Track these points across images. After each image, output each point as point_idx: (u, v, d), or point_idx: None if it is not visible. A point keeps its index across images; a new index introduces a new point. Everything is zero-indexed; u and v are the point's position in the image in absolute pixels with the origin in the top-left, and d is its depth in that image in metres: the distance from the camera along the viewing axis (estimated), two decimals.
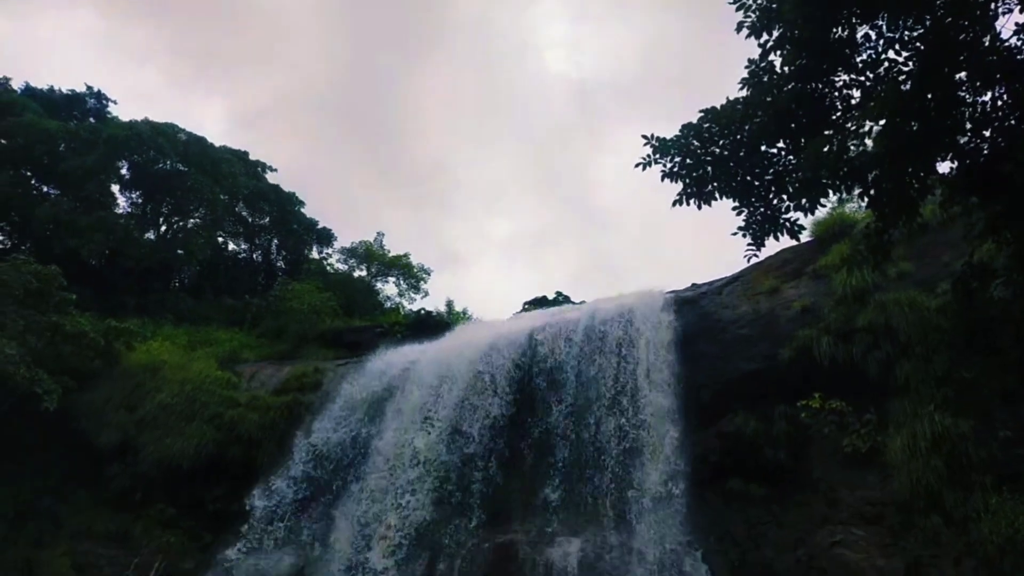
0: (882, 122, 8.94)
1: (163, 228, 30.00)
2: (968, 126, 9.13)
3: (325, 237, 33.79)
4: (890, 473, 13.15)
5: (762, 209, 9.90)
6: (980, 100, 9.03)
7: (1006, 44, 8.65)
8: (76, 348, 18.14)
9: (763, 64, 9.40)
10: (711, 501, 14.32)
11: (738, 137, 9.60)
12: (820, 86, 9.41)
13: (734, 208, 9.98)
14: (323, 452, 16.35)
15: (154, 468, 16.41)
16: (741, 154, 9.67)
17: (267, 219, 32.77)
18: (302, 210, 33.52)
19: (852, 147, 9.43)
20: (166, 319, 24.24)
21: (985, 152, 9.27)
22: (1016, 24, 8.63)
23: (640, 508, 14.13)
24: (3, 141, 27.24)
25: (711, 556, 13.24)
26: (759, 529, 13.64)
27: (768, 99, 9.40)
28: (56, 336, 17.95)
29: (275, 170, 34.01)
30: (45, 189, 27.74)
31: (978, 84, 8.84)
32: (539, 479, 14.98)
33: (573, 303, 21.91)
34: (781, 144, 9.68)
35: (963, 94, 9.00)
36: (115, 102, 33.81)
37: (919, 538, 12.59)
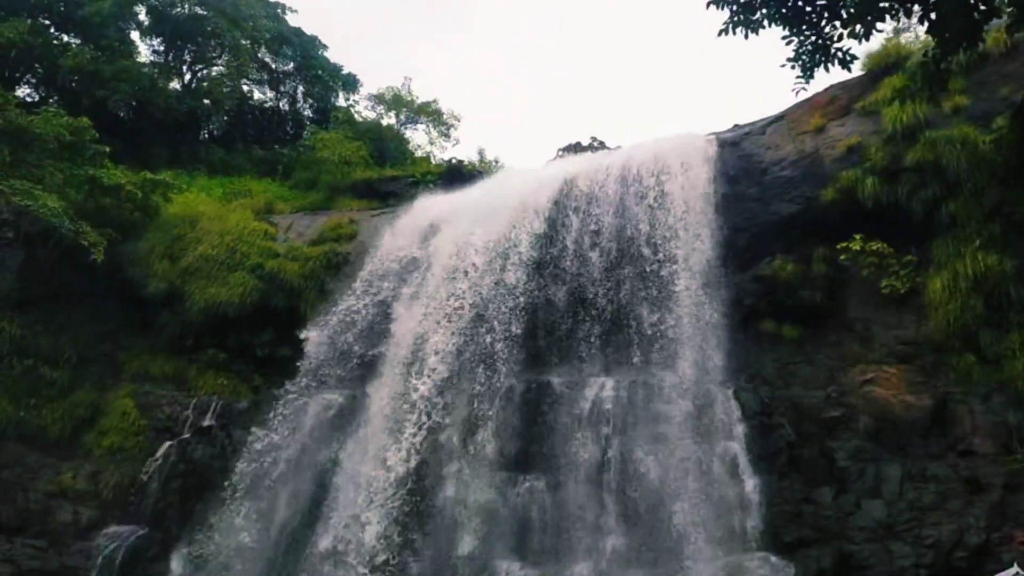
0: None
1: (187, 77, 29.45)
2: None
3: (351, 83, 32.95)
4: (927, 313, 13.21)
5: (813, 37, 9.35)
6: None
7: None
8: (115, 201, 18.39)
9: None
10: (743, 342, 14.60)
11: None
12: None
13: (783, 37, 9.42)
14: (364, 300, 16.73)
15: (202, 316, 17.02)
16: None
17: (291, 65, 31.88)
18: (326, 54, 32.53)
19: None
20: (199, 171, 24.32)
21: None
22: None
23: (673, 350, 14.43)
24: None
25: (741, 393, 13.63)
26: (790, 368, 13.96)
27: None
28: (95, 189, 18.16)
29: (295, 11, 32.70)
30: (66, 39, 27.10)
31: None
32: (573, 325, 15.23)
33: (609, 148, 21.38)
34: None
35: None
36: None
37: (951, 376, 12.85)
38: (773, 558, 11.82)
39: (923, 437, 12.53)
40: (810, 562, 11.63)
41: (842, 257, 14.12)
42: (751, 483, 12.52)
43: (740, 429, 13.20)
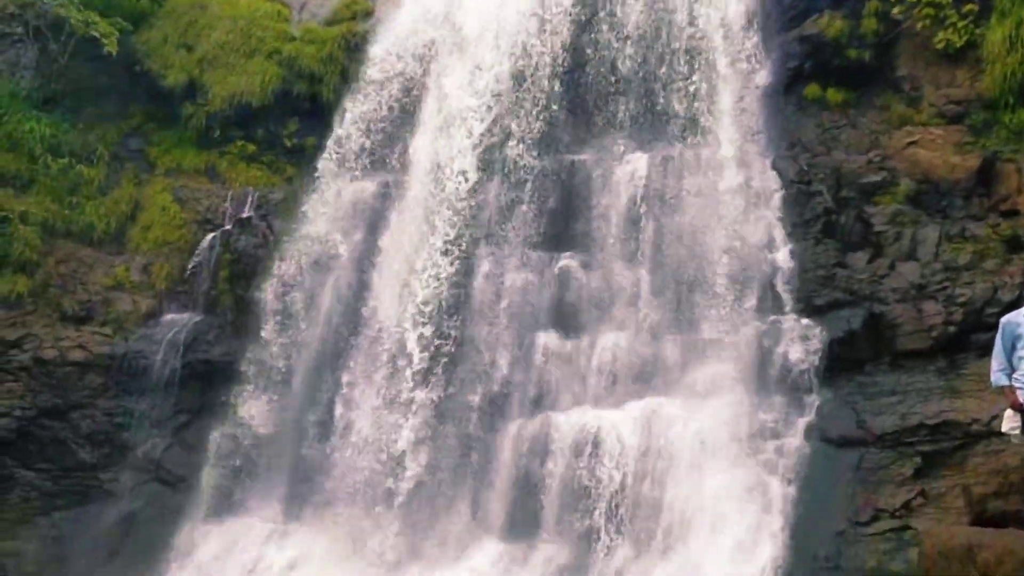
0: None
1: None
2: None
3: None
4: (982, 68, 12.56)
5: None
6: None
7: None
8: None
9: None
10: (784, 109, 14.11)
11: None
12: None
13: None
14: (387, 86, 16.18)
15: (225, 106, 16.67)
16: None
17: None
18: None
19: None
20: None
21: None
22: None
23: (709, 122, 14.05)
24: None
25: (780, 162, 13.35)
26: (832, 133, 13.52)
27: None
28: None
29: None
30: None
31: None
32: (606, 101, 14.77)
33: None
34: None
35: None
36: None
37: (1001, 135, 12.51)
38: (804, 320, 12.17)
39: (965, 199, 12.33)
40: (840, 323, 11.93)
41: (895, 10, 13.15)
42: (785, 250, 12.62)
43: (777, 198, 13.08)
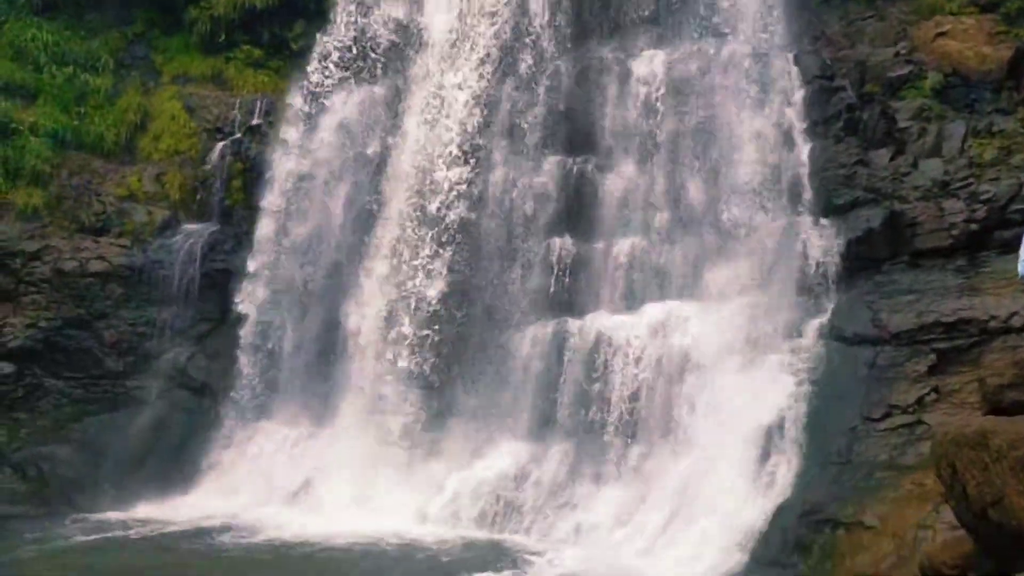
0: None
1: None
2: None
3: None
4: None
5: None
6: None
7: None
8: None
9: None
10: (808, 1, 13.55)
11: None
12: None
13: None
14: None
15: (230, 9, 16.26)
16: None
17: None
18: None
19: None
20: None
21: None
22: None
23: (732, 16, 13.61)
24: None
25: (803, 56, 12.90)
26: (858, 25, 13.02)
27: None
28: None
29: None
30: None
31: None
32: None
33: None
34: None
35: None
36: None
37: None
38: (823, 220, 12.00)
39: (994, 92, 11.92)
40: (859, 222, 11.74)
41: None
42: (806, 149, 12.34)
43: (799, 95, 12.71)
